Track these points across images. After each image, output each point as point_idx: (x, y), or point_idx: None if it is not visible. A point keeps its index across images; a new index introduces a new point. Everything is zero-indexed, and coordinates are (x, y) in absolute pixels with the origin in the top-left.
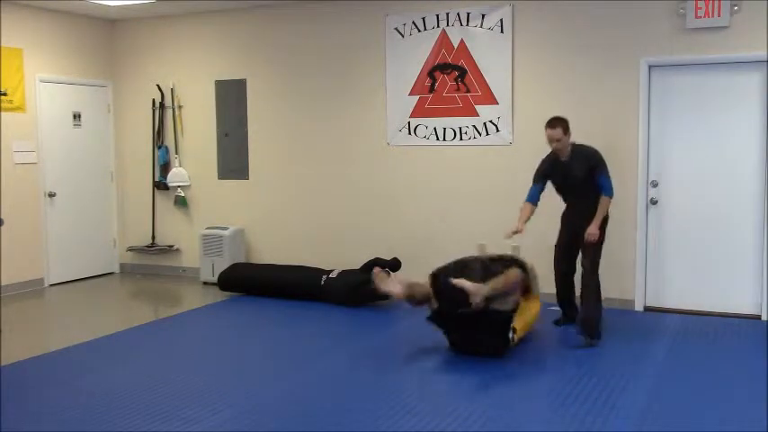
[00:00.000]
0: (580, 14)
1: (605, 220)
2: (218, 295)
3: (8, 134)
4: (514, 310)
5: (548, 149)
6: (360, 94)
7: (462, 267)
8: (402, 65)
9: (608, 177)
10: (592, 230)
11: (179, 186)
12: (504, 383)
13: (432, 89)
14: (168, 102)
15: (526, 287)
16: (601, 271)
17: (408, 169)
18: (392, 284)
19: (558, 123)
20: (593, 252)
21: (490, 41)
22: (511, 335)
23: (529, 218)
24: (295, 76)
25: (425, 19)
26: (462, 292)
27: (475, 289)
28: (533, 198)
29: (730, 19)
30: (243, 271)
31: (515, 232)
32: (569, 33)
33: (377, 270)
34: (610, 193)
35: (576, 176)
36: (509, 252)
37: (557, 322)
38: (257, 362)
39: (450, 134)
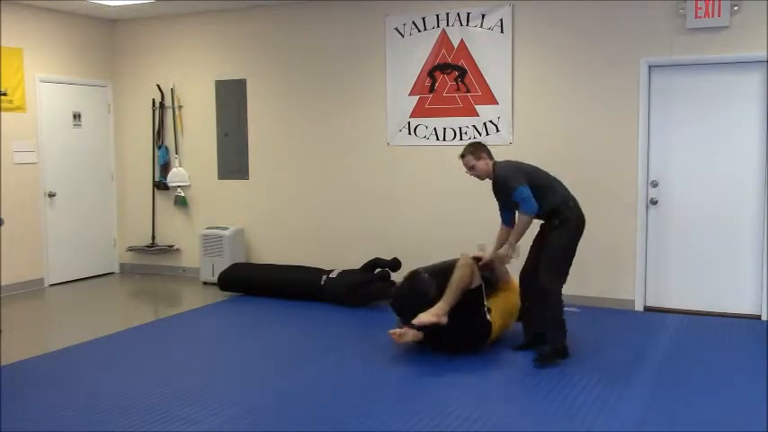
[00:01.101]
0: (580, 14)
1: (571, 237)
2: (218, 295)
3: (8, 134)
4: (478, 290)
5: (549, 150)
6: (360, 94)
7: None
8: (402, 65)
9: (519, 192)
10: (502, 252)
11: (179, 186)
12: (503, 384)
13: (432, 89)
14: (168, 102)
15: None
16: (600, 271)
17: (408, 169)
18: (409, 334)
19: (465, 152)
20: (549, 266)
21: (490, 41)
22: (487, 316)
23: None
24: (295, 76)
25: (425, 19)
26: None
27: (436, 317)
28: (507, 221)
29: (730, 19)
30: (243, 271)
31: (479, 259)
32: (569, 33)
33: (391, 333)
34: (528, 211)
35: (508, 198)
36: (477, 251)
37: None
38: (257, 362)
39: (450, 134)
